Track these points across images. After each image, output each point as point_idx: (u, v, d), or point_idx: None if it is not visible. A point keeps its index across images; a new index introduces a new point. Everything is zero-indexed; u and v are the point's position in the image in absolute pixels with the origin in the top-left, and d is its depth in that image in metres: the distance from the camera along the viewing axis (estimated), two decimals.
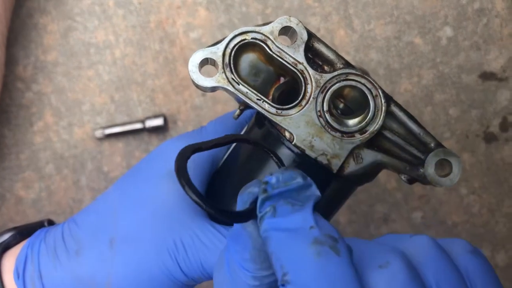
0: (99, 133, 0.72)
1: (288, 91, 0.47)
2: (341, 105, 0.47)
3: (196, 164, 0.50)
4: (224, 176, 0.52)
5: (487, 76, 0.74)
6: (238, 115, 0.48)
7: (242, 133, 0.52)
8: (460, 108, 0.73)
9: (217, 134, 0.52)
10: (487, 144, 0.73)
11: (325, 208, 0.49)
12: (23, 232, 0.53)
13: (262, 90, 0.46)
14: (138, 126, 0.73)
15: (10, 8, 0.70)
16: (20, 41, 0.74)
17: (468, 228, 0.73)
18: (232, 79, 0.45)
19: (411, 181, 0.47)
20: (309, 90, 0.45)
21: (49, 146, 0.74)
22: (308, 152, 0.45)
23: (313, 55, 0.46)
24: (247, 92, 0.45)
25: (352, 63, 0.74)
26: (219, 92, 0.75)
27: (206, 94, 0.74)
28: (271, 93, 0.47)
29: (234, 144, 0.52)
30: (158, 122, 0.72)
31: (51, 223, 0.57)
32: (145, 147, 0.74)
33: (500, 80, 0.73)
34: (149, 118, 0.72)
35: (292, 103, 0.45)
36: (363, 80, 0.45)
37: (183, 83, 0.74)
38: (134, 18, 0.74)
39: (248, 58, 0.46)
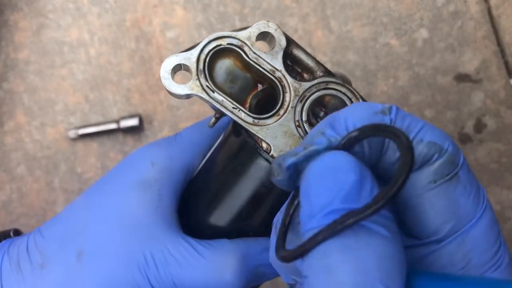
0: (72, 134, 0.71)
1: (266, 98, 0.46)
2: (321, 114, 0.46)
3: (169, 173, 0.48)
4: (200, 185, 0.50)
5: (461, 77, 0.75)
6: (214, 123, 0.46)
7: (218, 141, 0.51)
8: (435, 109, 0.74)
9: (192, 142, 0.50)
10: (461, 145, 0.74)
11: None
12: None
13: (239, 97, 0.45)
14: (113, 126, 0.71)
15: None
16: None
17: None
18: (207, 86, 0.43)
19: None
20: (287, 99, 0.44)
21: (20, 146, 0.72)
22: None
23: (292, 62, 0.45)
24: (222, 100, 0.44)
25: (329, 64, 0.74)
26: None
27: None
28: (248, 100, 0.45)
29: (211, 151, 0.51)
30: (133, 122, 0.71)
31: (17, 233, 0.54)
32: (120, 147, 0.72)
33: (474, 82, 0.74)
34: (124, 118, 0.71)
35: (270, 111, 0.44)
36: (343, 89, 0.44)
37: (159, 83, 0.73)
38: (109, 16, 0.73)
39: (224, 64, 0.44)
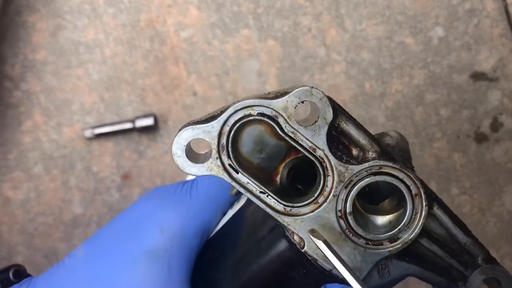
0: (88, 133, 0.72)
1: (301, 167, 0.38)
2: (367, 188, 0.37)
3: (181, 241, 0.42)
4: (217, 257, 0.43)
5: (478, 76, 0.74)
6: (236, 194, 0.40)
7: (241, 205, 0.43)
8: (451, 108, 0.73)
9: (210, 198, 0.43)
10: (478, 144, 0.74)
11: None
12: None
13: (268, 167, 0.37)
14: (128, 125, 0.72)
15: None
16: (8, 39, 0.73)
17: None
18: (230, 165, 0.35)
19: None
20: (329, 184, 0.35)
21: (37, 146, 0.73)
22: (321, 263, 0.36)
23: (338, 133, 0.36)
24: (248, 183, 0.36)
25: (344, 63, 0.74)
26: (210, 91, 0.74)
27: (197, 93, 0.74)
28: (280, 170, 0.37)
29: (233, 212, 0.43)
30: (148, 121, 0.71)
31: (17, 273, 0.47)
32: (135, 147, 0.73)
33: (490, 81, 0.74)
34: (139, 117, 0.72)
35: (304, 185, 0.36)
36: (401, 175, 0.36)
37: (174, 82, 0.73)
38: (124, 16, 0.73)
39: (253, 133, 0.36)
